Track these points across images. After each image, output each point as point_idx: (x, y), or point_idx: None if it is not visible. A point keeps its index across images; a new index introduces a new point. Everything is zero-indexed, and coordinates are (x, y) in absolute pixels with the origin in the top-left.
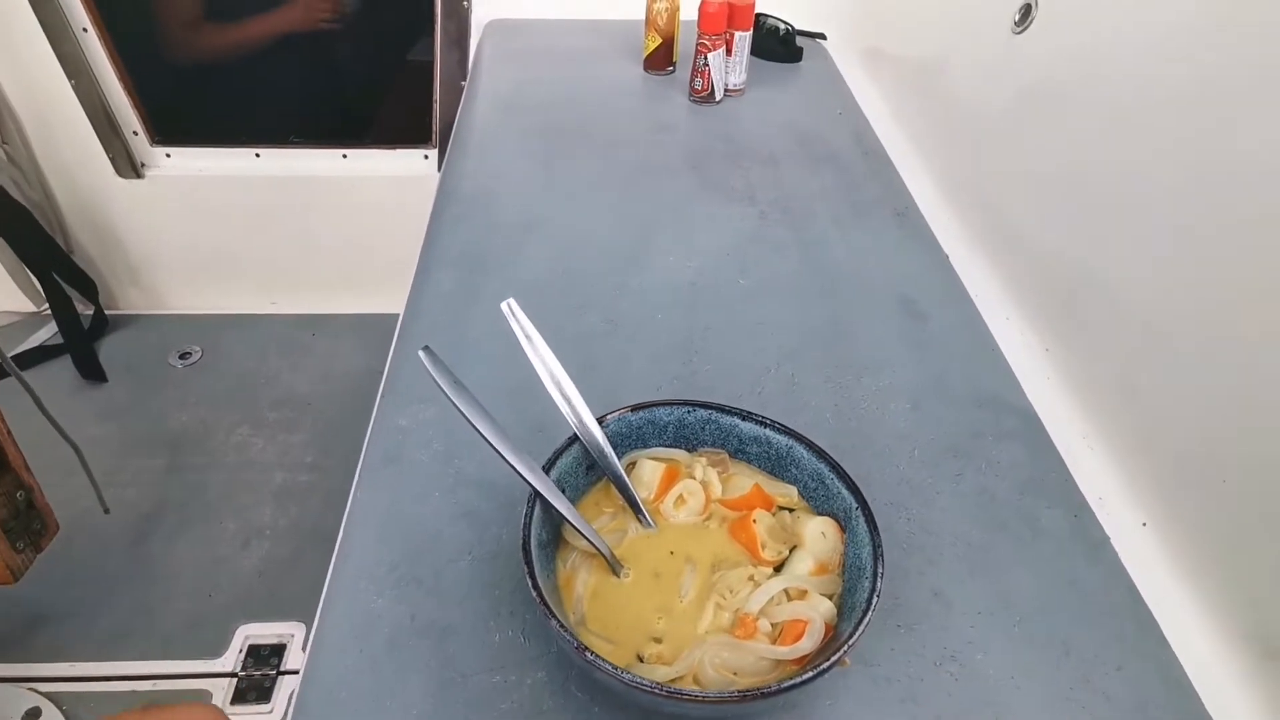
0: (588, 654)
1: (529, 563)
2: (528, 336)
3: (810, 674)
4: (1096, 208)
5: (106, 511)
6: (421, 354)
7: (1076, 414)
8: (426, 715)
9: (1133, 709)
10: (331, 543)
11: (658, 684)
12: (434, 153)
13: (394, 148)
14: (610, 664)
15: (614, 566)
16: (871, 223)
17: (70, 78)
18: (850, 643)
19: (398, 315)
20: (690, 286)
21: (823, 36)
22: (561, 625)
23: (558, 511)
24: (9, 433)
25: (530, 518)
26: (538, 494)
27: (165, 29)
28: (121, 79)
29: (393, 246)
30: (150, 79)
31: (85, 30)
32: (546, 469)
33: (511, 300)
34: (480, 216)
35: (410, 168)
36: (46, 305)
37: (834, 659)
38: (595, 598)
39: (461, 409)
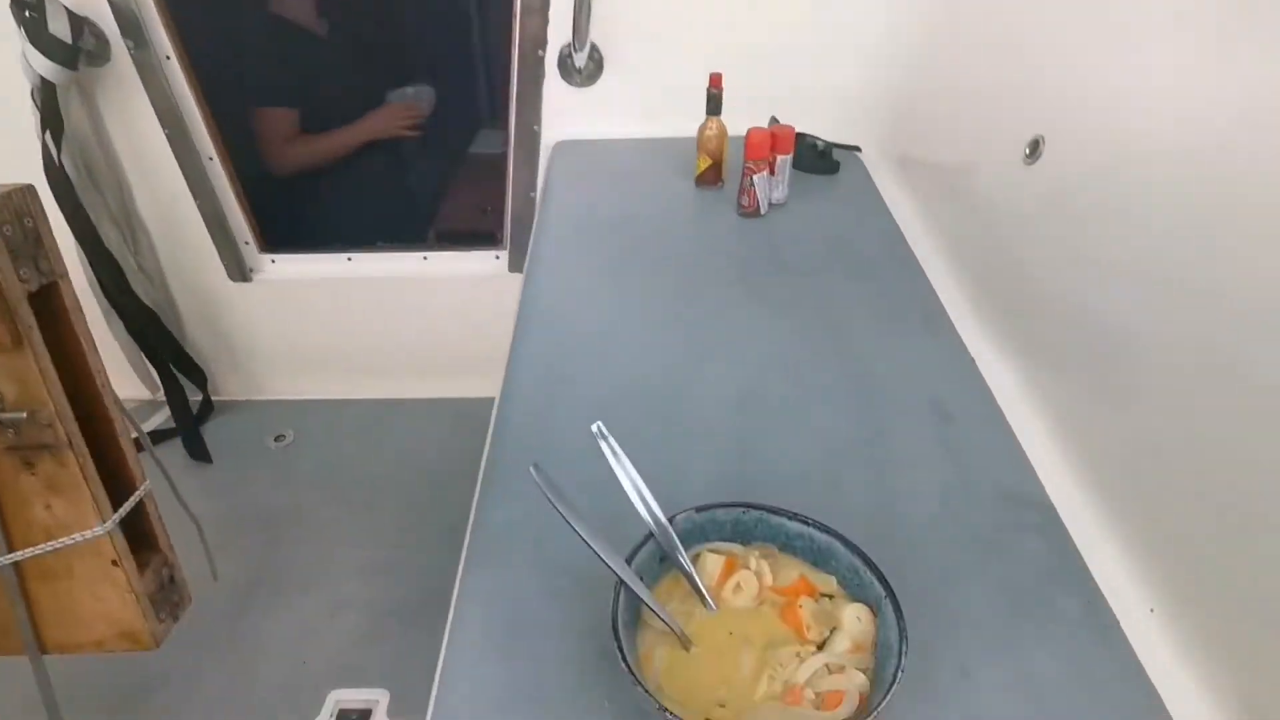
0: (669, 714)
1: (619, 642)
2: (615, 454)
3: None
4: (1109, 314)
5: (216, 579)
6: (532, 471)
7: (1092, 509)
8: None
9: None
10: (411, 615)
11: None
12: (505, 254)
13: (469, 250)
14: None
15: (684, 643)
16: (904, 329)
17: (196, 198)
18: (878, 710)
19: (471, 399)
20: (742, 393)
21: (857, 149)
22: (646, 691)
23: (639, 598)
24: (160, 518)
25: (617, 605)
26: (624, 583)
27: (266, 143)
28: (238, 197)
29: (467, 337)
30: (261, 195)
31: (211, 159)
32: (629, 561)
33: (600, 424)
34: (557, 327)
35: (483, 268)
36: (161, 392)
37: None
38: (669, 670)
39: (569, 520)
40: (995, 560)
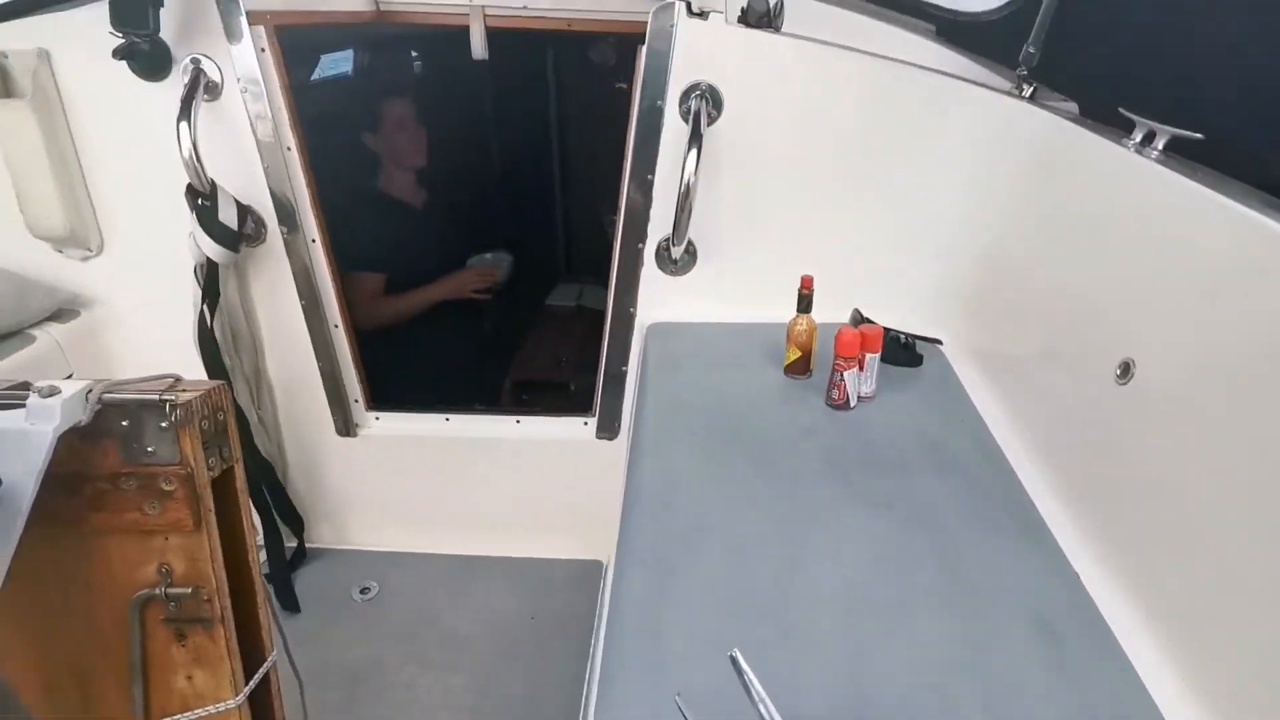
0: None
1: None
2: (753, 684)
3: None
4: (1218, 541)
5: None
6: (677, 698)
7: None
8: None
9: None
10: None
11: None
12: (593, 421)
13: (560, 416)
14: None
15: None
16: (999, 533)
17: (319, 360)
18: None
19: (549, 560)
20: (845, 596)
21: (939, 341)
22: None
23: None
24: (279, 691)
25: None
26: None
27: (356, 302)
28: (355, 360)
29: (552, 499)
30: (373, 357)
31: (336, 326)
32: None
33: (737, 651)
34: (661, 518)
35: (571, 433)
36: (259, 536)
37: None
38: None
39: None
40: None
